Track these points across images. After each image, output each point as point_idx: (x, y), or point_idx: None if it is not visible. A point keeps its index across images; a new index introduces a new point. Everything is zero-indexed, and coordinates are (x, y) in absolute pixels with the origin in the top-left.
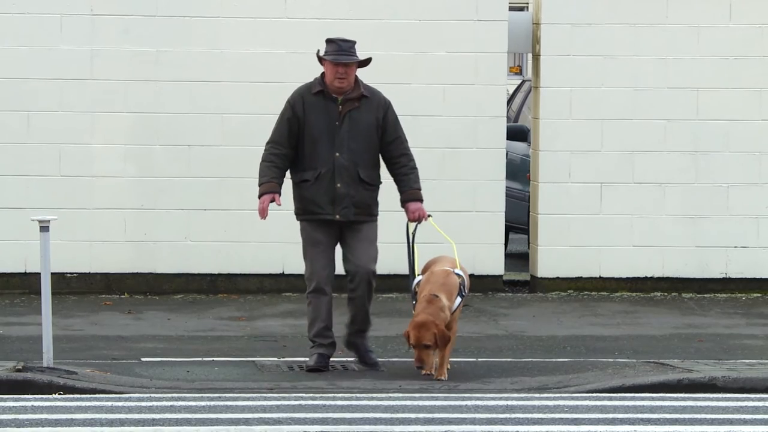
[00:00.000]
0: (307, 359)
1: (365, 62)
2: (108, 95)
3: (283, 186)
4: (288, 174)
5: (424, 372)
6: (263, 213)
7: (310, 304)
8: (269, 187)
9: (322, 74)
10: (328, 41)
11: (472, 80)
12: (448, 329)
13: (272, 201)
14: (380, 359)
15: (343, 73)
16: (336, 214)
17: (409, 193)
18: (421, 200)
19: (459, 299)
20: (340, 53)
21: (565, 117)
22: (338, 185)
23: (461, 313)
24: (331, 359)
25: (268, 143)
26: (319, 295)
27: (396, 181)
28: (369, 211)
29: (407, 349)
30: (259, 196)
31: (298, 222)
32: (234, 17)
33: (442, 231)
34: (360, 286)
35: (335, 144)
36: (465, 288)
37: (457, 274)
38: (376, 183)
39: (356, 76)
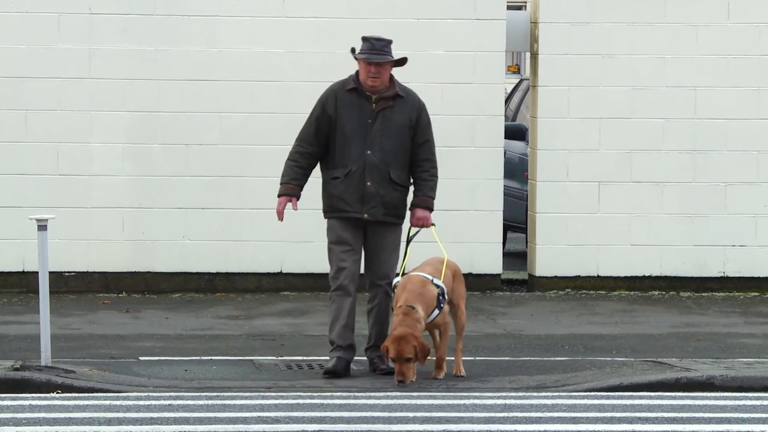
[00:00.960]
0: (326, 359)
1: (401, 62)
2: (106, 94)
3: (311, 184)
4: (317, 172)
5: (406, 382)
6: (279, 215)
7: (333, 304)
8: (287, 189)
9: (357, 72)
10: (364, 39)
11: (470, 79)
12: (443, 331)
13: (289, 201)
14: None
15: (376, 73)
16: (364, 213)
17: (422, 199)
18: (430, 209)
19: (437, 311)
20: (373, 52)
21: (563, 116)
22: (368, 183)
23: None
24: (351, 363)
25: (296, 140)
26: (342, 294)
27: (414, 183)
28: (397, 213)
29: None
30: (278, 196)
31: (325, 220)
32: (232, 16)
33: (440, 242)
34: (378, 296)
35: (367, 142)
36: (444, 298)
37: (436, 285)
38: (406, 185)
39: (392, 75)
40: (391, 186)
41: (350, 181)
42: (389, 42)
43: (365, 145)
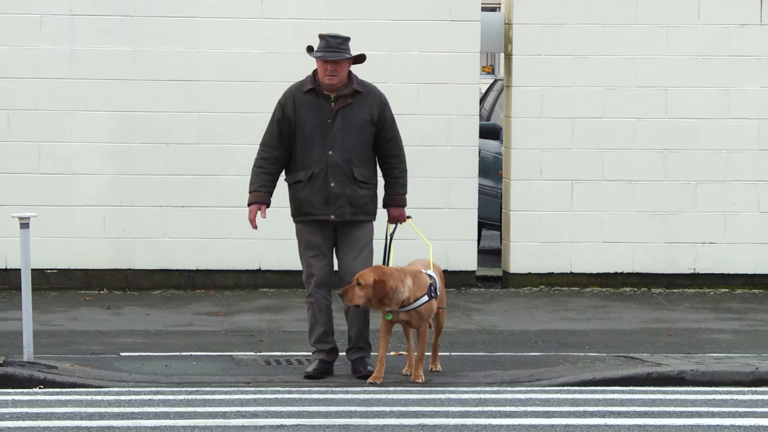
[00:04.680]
0: (305, 355)
1: (359, 59)
2: (87, 94)
3: (278, 188)
4: (283, 176)
5: (344, 301)
6: (252, 224)
7: (308, 310)
8: (256, 197)
9: (314, 71)
10: (320, 37)
11: (445, 79)
12: (415, 326)
13: (259, 209)
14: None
15: (333, 71)
16: (331, 214)
17: (395, 198)
18: (403, 206)
19: (425, 298)
20: (329, 50)
21: (536, 115)
22: (332, 184)
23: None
24: (333, 365)
25: (260, 145)
26: (317, 299)
27: (385, 181)
28: (365, 210)
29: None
30: (248, 205)
31: (294, 224)
32: (211, 17)
33: (420, 233)
34: None
35: (328, 142)
36: (435, 290)
37: (429, 275)
38: (371, 182)
39: (350, 71)
40: (355, 185)
41: (314, 183)
42: (346, 39)
43: (326, 146)
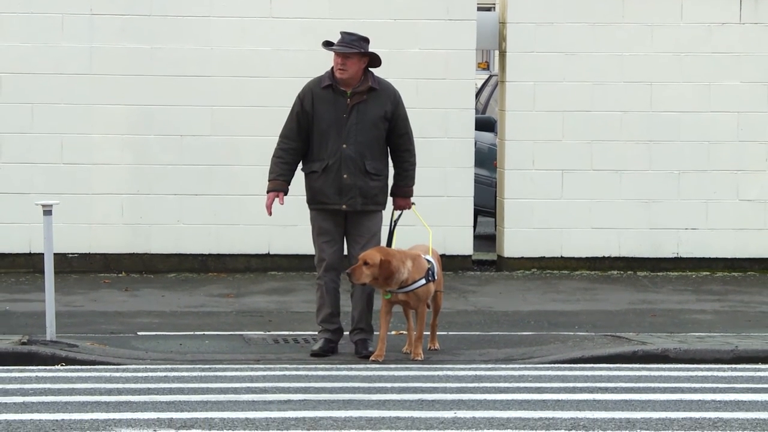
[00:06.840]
0: (311, 334)
1: (373, 58)
2: (106, 89)
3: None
4: (300, 166)
5: (352, 280)
6: (268, 210)
7: (317, 291)
8: (275, 185)
9: (332, 68)
10: (340, 33)
11: (443, 75)
12: (413, 307)
13: (276, 197)
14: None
15: (341, 64)
16: (343, 204)
17: (403, 189)
18: (410, 196)
19: (423, 281)
20: (341, 44)
21: (529, 109)
22: (345, 176)
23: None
24: (338, 344)
25: (279, 137)
26: (325, 282)
27: (395, 172)
28: (375, 201)
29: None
30: (267, 192)
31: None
32: (223, 17)
33: (422, 219)
34: None
35: (342, 136)
36: (433, 274)
37: (428, 260)
38: (382, 173)
39: (368, 69)
40: (367, 177)
41: (328, 174)
42: (361, 38)
43: (341, 139)
